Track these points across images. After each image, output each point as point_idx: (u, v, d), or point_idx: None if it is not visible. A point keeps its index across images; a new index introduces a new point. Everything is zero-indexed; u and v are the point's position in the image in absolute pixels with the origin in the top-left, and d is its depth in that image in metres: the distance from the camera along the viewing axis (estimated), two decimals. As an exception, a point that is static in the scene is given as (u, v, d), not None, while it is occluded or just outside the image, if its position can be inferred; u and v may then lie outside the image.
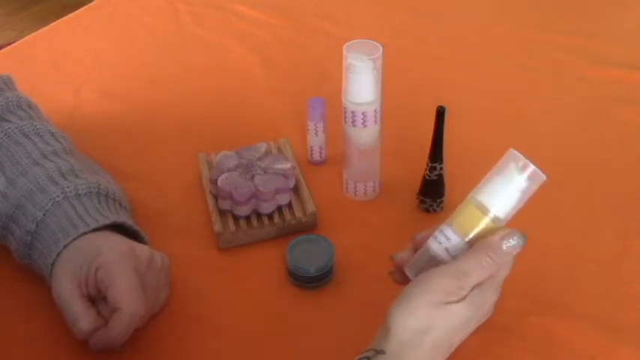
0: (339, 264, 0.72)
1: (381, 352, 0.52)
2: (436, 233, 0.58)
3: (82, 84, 1.06)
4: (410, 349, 0.52)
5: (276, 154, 0.84)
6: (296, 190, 0.80)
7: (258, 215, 0.77)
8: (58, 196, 0.67)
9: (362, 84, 0.72)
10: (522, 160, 0.56)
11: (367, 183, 0.81)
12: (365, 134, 0.76)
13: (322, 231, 0.77)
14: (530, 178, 0.56)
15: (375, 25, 1.18)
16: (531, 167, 0.56)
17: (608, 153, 0.88)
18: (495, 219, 0.57)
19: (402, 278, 0.60)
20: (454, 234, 0.57)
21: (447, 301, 0.53)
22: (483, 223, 0.57)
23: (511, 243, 0.55)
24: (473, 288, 0.54)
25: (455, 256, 0.57)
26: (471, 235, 0.57)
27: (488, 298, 0.56)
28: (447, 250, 0.57)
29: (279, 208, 0.78)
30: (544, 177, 0.56)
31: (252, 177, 0.77)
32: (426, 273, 0.55)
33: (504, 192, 0.56)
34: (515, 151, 0.56)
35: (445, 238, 0.58)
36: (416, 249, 0.60)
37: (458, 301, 0.54)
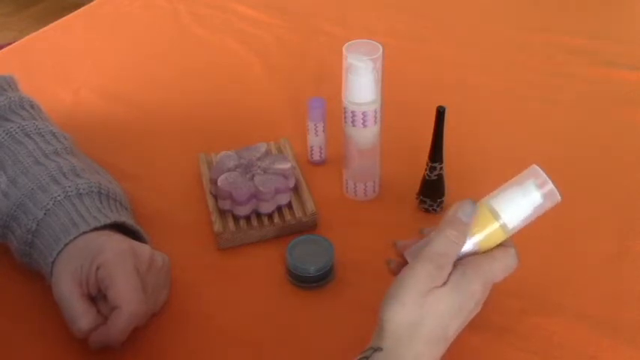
0: (339, 264, 0.72)
1: (378, 349, 0.53)
2: None
3: (82, 84, 1.06)
4: (407, 343, 0.53)
5: (276, 154, 0.84)
6: (296, 190, 0.80)
7: (258, 215, 0.77)
8: (59, 195, 0.67)
9: (362, 84, 0.72)
10: (542, 177, 0.57)
11: (367, 183, 0.81)
12: (365, 134, 0.76)
13: (322, 231, 0.77)
14: (546, 196, 0.57)
15: (375, 25, 1.18)
16: (549, 186, 0.57)
17: (608, 153, 0.88)
18: (504, 226, 0.57)
19: (398, 268, 0.60)
20: None
21: (432, 286, 0.54)
22: (492, 227, 0.57)
23: (465, 211, 0.57)
24: (455, 269, 0.55)
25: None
26: (477, 235, 0.57)
27: (475, 287, 0.55)
28: None
29: (279, 208, 0.78)
30: (559, 198, 0.57)
31: (252, 177, 0.77)
32: (409, 265, 0.56)
33: (518, 204, 0.57)
34: (538, 168, 0.57)
35: None
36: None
37: (442, 285, 0.54)
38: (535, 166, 0.58)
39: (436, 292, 0.54)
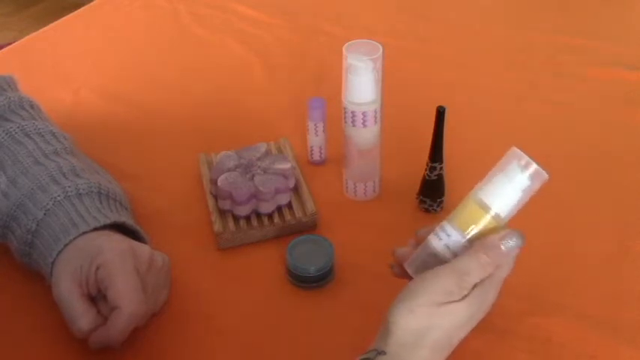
0: (339, 264, 0.72)
1: (382, 352, 0.52)
2: (437, 229, 0.58)
3: (82, 84, 1.06)
4: (411, 349, 0.52)
5: (276, 154, 0.84)
6: (296, 190, 0.80)
7: (258, 215, 0.77)
8: (59, 196, 0.67)
9: (362, 84, 0.72)
10: (525, 158, 0.55)
11: (367, 183, 0.81)
12: (365, 134, 0.76)
13: (322, 231, 0.77)
14: (533, 176, 0.55)
15: (375, 25, 1.18)
16: (534, 166, 0.55)
17: (608, 153, 0.88)
18: (496, 217, 0.56)
19: (401, 272, 0.60)
20: (454, 230, 0.57)
21: (448, 300, 0.53)
22: (484, 221, 0.56)
23: (510, 244, 0.55)
24: (473, 287, 0.54)
25: (455, 252, 0.57)
26: (472, 232, 0.56)
27: (489, 297, 0.56)
28: (447, 246, 0.57)
29: (279, 208, 0.78)
30: (546, 176, 0.55)
31: (252, 177, 0.77)
32: (426, 273, 0.55)
33: (506, 190, 0.56)
34: (518, 150, 0.56)
35: (445, 235, 0.57)
36: (417, 244, 0.60)
37: (459, 300, 0.54)
38: (514, 149, 0.56)
39: (451, 306, 0.53)
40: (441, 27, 1.19)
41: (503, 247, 0.55)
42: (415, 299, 0.53)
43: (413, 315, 0.53)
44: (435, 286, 0.53)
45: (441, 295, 0.53)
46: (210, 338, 0.66)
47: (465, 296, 0.54)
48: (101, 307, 0.63)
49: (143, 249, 0.65)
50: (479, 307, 0.55)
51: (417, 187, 0.79)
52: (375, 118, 0.75)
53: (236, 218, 0.76)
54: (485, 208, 0.56)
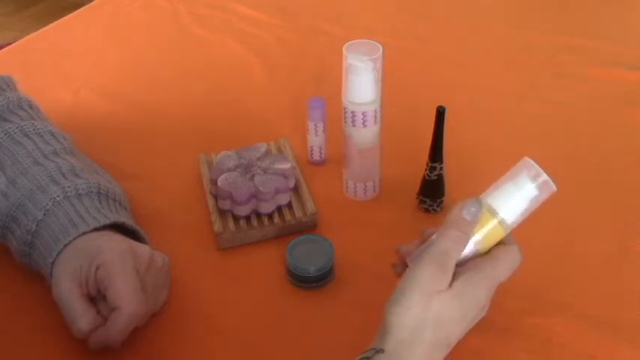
0: (339, 264, 0.72)
1: (380, 350, 0.53)
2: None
3: (82, 84, 1.06)
4: (409, 347, 0.53)
5: (276, 154, 0.84)
6: (296, 190, 0.80)
7: (258, 215, 0.77)
8: (58, 196, 0.67)
9: (362, 84, 0.72)
10: (535, 169, 0.56)
11: (367, 183, 0.81)
12: (365, 134, 0.76)
13: (322, 231, 0.77)
14: (541, 187, 0.56)
15: (375, 25, 1.18)
16: (543, 177, 0.56)
17: (608, 153, 0.88)
18: (503, 223, 0.57)
19: (403, 272, 0.60)
20: None
21: (437, 288, 0.54)
22: (490, 225, 0.57)
23: (471, 211, 0.56)
24: (459, 275, 0.55)
25: None
26: (477, 234, 0.57)
27: (480, 293, 0.55)
28: None
29: (279, 208, 0.78)
30: (555, 188, 0.56)
31: (252, 177, 0.77)
32: (412, 266, 0.55)
33: (514, 198, 0.57)
34: (530, 160, 0.57)
35: None
36: (422, 244, 0.60)
37: (447, 290, 0.54)
38: (527, 159, 0.57)
39: (441, 298, 0.53)
40: (441, 27, 1.19)
41: (467, 217, 0.56)
42: (407, 296, 0.53)
43: (408, 313, 0.53)
44: (421, 278, 0.54)
45: (430, 283, 0.54)
46: (210, 338, 0.66)
47: (451, 283, 0.54)
48: (101, 307, 0.63)
49: (143, 249, 0.65)
50: (470, 304, 0.55)
51: (417, 187, 0.79)
52: (375, 118, 0.75)
53: (236, 218, 0.76)
54: (493, 213, 0.57)
